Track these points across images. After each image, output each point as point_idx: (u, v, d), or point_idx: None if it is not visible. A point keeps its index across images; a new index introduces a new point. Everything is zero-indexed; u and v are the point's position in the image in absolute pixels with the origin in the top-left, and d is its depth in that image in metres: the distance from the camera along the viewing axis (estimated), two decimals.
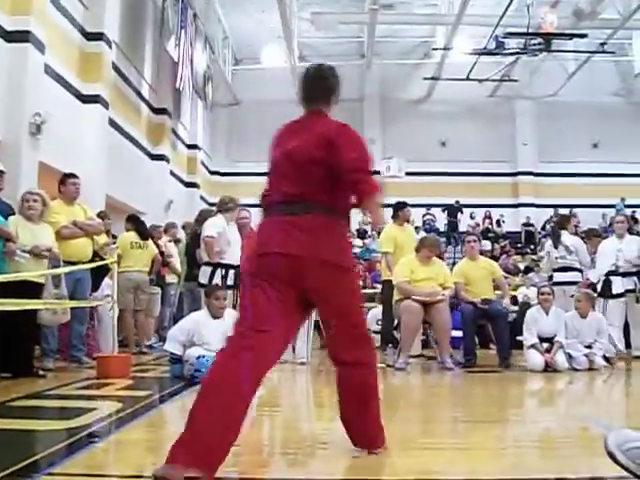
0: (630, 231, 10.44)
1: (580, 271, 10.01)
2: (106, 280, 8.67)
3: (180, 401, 5.76)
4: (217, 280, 8.11)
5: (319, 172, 3.38)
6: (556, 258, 9.98)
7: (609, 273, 9.67)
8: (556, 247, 10.04)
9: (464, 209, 26.21)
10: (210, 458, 2.89)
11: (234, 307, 8.20)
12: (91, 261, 8.01)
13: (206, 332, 6.91)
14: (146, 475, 3.21)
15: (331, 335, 3.52)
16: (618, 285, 9.64)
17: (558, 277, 9.97)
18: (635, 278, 9.77)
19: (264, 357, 3.22)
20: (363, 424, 3.52)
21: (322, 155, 3.37)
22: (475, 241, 9.61)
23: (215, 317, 7.09)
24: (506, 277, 13.41)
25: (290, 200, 3.39)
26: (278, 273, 3.30)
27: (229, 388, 3.04)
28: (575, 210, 24.44)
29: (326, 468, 3.38)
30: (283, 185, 3.45)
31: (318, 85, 3.69)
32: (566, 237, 10.12)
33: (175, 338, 7.02)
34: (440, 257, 9.49)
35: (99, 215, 9.29)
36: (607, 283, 9.67)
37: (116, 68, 15.48)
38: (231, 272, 8.31)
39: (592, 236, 10.29)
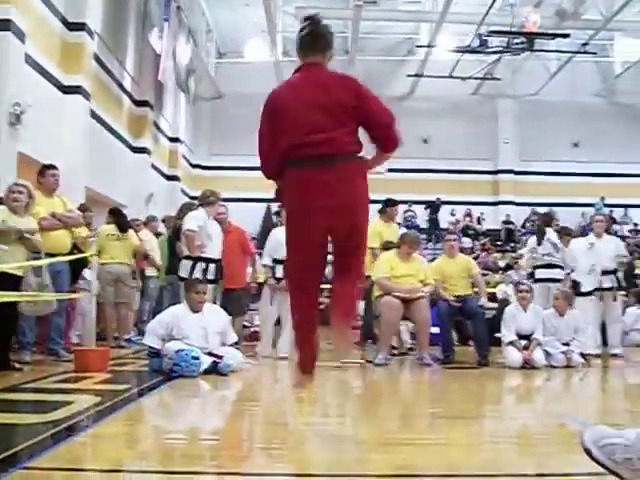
0: (608, 231, 10.55)
1: (562, 268, 10.07)
2: (88, 273, 8.62)
3: (159, 395, 5.75)
4: (198, 274, 8.08)
5: (351, 121, 3.88)
6: (543, 255, 10.02)
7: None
8: (540, 244, 10.09)
9: (445, 206, 26.29)
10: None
11: (214, 302, 8.18)
12: (70, 254, 7.96)
13: (185, 326, 6.89)
14: (124, 469, 3.20)
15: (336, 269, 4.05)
16: (587, 283, 9.70)
17: (541, 274, 10.01)
18: (613, 276, 9.88)
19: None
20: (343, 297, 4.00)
21: (355, 104, 3.87)
22: (455, 240, 9.66)
23: (194, 311, 7.07)
24: (485, 274, 13.48)
25: (326, 153, 3.80)
26: (316, 228, 3.87)
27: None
28: (554, 209, 24.59)
29: (305, 463, 3.38)
30: (316, 138, 3.81)
31: (320, 39, 4.07)
32: (552, 235, 10.16)
33: (154, 332, 6.99)
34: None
35: (81, 208, 9.23)
36: (575, 281, 9.74)
37: (98, 59, 15.36)
38: (212, 266, 8.29)
39: (564, 234, 10.36)
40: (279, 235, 8.86)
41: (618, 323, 10.20)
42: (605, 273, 9.91)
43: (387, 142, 4.04)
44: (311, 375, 4.08)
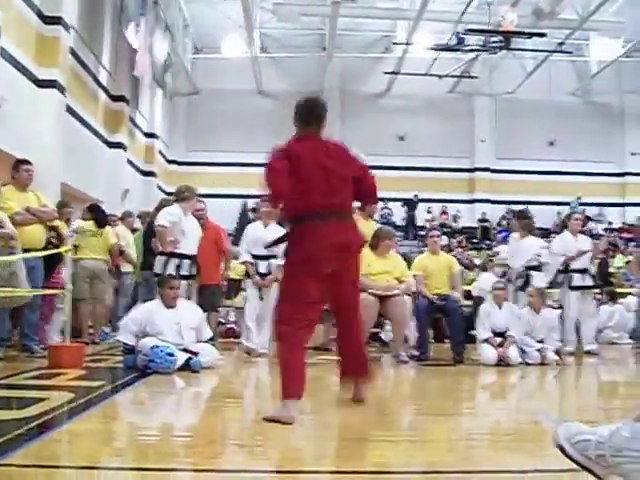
0: (581, 230, 10.62)
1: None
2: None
3: (133, 392, 5.72)
4: (170, 270, 8.03)
5: (351, 187, 4.77)
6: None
7: (529, 268, 9.74)
8: None
9: (421, 204, 26.35)
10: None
11: (188, 298, 8.14)
12: (44, 249, 7.88)
13: (159, 321, 6.87)
14: (99, 466, 3.18)
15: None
16: (538, 280, 9.70)
17: None
18: (587, 275, 9.98)
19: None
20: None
21: (354, 175, 4.80)
22: (439, 236, 9.65)
23: (168, 307, 7.05)
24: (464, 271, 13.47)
25: (335, 210, 4.63)
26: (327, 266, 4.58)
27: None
28: (530, 207, 24.82)
29: (282, 460, 3.38)
30: (329, 196, 4.59)
31: (317, 113, 4.86)
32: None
33: (127, 328, 6.97)
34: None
35: (60, 204, 9.17)
36: (526, 278, 9.75)
37: (74, 53, 15.26)
38: (185, 262, 8.21)
39: (527, 231, 10.43)
40: (255, 231, 8.87)
41: (593, 320, 10.28)
42: (583, 272, 10.01)
43: (371, 201, 5.46)
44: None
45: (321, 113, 4.86)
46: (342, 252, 4.60)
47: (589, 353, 9.87)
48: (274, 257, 8.74)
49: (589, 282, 10.03)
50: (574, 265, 9.99)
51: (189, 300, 8.00)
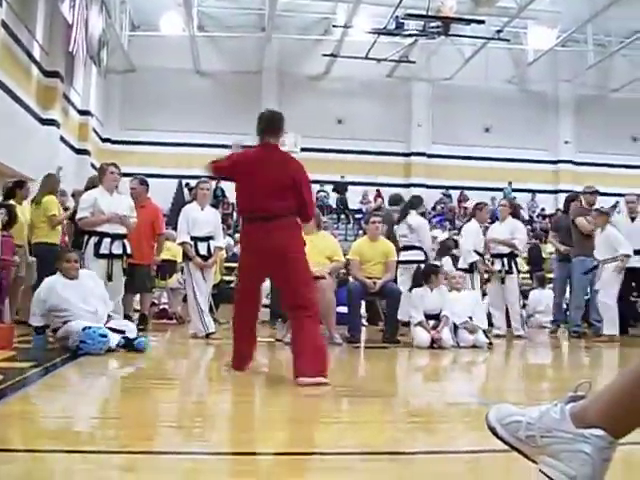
0: (515, 216, 10.83)
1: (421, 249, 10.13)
2: None
3: (65, 373, 5.63)
4: (90, 248, 8.01)
5: (291, 194, 5.29)
6: (400, 236, 10.17)
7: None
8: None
9: (357, 187, 26.43)
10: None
11: (109, 276, 8.07)
12: None
13: (63, 292, 6.85)
14: (28, 449, 3.12)
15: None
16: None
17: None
18: (505, 259, 10.28)
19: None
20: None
21: (294, 186, 5.32)
22: (380, 222, 9.62)
23: (70, 278, 7.00)
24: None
25: (271, 214, 5.22)
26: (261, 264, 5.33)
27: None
28: (465, 192, 25.29)
29: (218, 442, 3.36)
30: (266, 203, 5.23)
31: (277, 126, 5.52)
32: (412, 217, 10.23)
33: (33, 312, 6.99)
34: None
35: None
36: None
37: (5, 26, 14.86)
38: (106, 240, 8.14)
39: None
40: (193, 212, 8.81)
41: (515, 305, 10.50)
42: (497, 257, 10.40)
43: (304, 219, 5.57)
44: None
45: (275, 128, 5.48)
46: (268, 257, 5.22)
47: (519, 337, 10.11)
48: (212, 238, 8.75)
49: (497, 267, 10.35)
50: (492, 251, 10.45)
51: (112, 279, 8.01)
